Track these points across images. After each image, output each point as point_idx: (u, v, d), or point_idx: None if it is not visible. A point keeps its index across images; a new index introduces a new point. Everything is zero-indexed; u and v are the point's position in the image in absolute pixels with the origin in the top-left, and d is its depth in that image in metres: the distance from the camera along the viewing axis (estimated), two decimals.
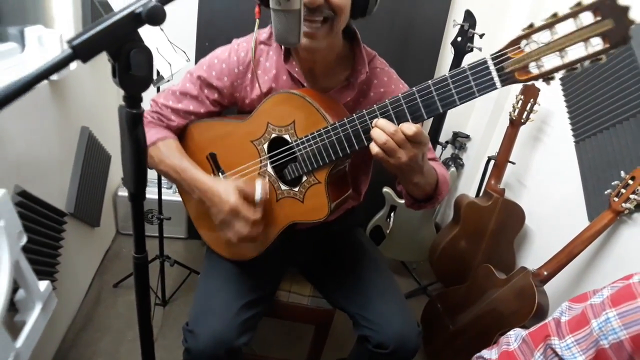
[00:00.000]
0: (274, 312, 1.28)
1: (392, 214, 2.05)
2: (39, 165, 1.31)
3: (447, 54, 2.08)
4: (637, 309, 0.67)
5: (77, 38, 0.47)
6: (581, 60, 0.68)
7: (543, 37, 0.71)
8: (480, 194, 2.00)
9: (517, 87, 1.85)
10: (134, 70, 0.51)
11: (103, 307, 1.81)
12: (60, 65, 0.48)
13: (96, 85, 1.81)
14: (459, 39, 1.76)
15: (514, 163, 1.89)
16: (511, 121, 1.82)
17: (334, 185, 0.93)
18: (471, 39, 1.75)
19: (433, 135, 1.98)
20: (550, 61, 0.69)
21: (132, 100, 0.54)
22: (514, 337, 0.86)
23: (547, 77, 0.69)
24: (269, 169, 0.99)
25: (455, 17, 1.83)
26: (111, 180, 2.03)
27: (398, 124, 0.76)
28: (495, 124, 2.20)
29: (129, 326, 1.73)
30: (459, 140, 2.31)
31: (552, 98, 1.84)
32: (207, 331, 0.99)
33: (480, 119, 2.29)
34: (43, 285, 1.19)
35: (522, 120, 1.79)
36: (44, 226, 1.31)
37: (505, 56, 0.70)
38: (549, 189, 1.83)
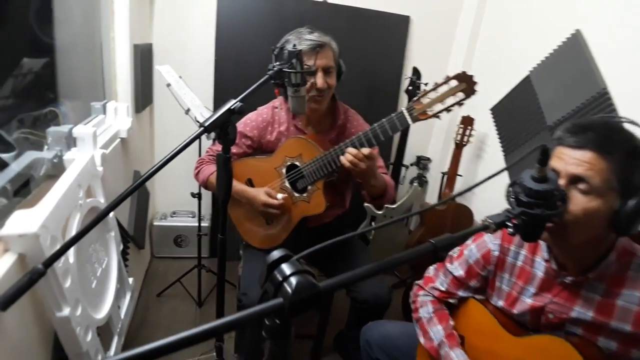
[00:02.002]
0: None
1: (372, 223, 2.61)
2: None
3: (403, 99, 2.76)
4: (483, 240, 1.21)
5: (207, 121, 1.04)
6: (452, 105, 1.28)
7: (432, 94, 1.31)
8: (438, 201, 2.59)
9: (458, 119, 2.46)
10: (230, 135, 1.07)
11: (152, 310, 2.31)
12: (195, 138, 1.03)
13: (141, 143, 2.38)
14: (410, 87, 2.39)
15: (461, 175, 2.49)
16: (456, 144, 2.42)
17: (327, 190, 1.53)
18: (418, 87, 2.38)
19: (397, 159, 2.59)
20: (437, 107, 1.29)
21: (227, 150, 1.10)
22: (432, 268, 1.39)
23: (436, 115, 1.29)
24: (287, 184, 1.58)
25: (407, 73, 2.49)
26: (149, 213, 2.58)
27: (360, 148, 1.36)
28: (448, 147, 2.82)
29: (174, 322, 2.22)
30: (422, 162, 2.91)
31: (487, 125, 2.48)
32: (254, 293, 1.53)
33: (436, 145, 2.92)
34: (131, 279, 1.72)
35: (464, 143, 2.40)
36: (123, 240, 1.85)
37: (412, 107, 1.30)
38: (490, 192, 2.40)
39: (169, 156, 0.96)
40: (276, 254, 0.53)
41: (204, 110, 2.06)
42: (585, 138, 0.88)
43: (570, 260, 1.01)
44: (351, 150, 1.37)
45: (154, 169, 0.96)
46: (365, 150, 1.35)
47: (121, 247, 1.63)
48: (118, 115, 1.90)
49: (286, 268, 0.51)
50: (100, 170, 1.44)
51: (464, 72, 1.25)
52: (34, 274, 0.88)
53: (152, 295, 2.42)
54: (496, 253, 1.16)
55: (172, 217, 2.76)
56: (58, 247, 0.99)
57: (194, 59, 2.54)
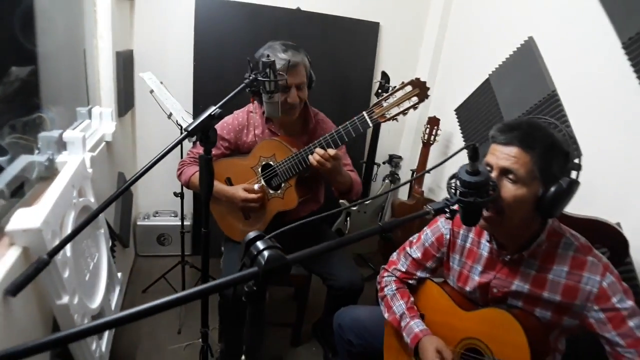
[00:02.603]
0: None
1: (348, 219, 2.76)
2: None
3: (374, 102, 2.89)
4: (437, 226, 1.38)
5: (190, 126, 1.16)
6: (408, 109, 1.44)
7: (391, 99, 1.46)
8: (409, 197, 2.76)
9: (424, 119, 2.63)
10: (211, 139, 1.20)
11: (138, 305, 2.40)
12: (180, 141, 1.16)
13: (124, 146, 2.48)
14: (379, 91, 2.55)
15: (429, 172, 2.66)
16: (423, 143, 2.60)
17: (299, 186, 1.67)
18: (387, 90, 2.54)
19: (370, 158, 2.75)
20: (394, 111, 1.45)
21: (208, 152, 1.22)
22: (395, 252, 1.55)
23: (393, 118, 1.45)
24: (262, 182, 1.72)
25: (377, 76, 2.65)
26: (132, 213, 2.68)
27: (327, 149, 1.51)
28: (417, 146, 2.99)
29: (159, 317, 2.31)
30: (394, 160, 3.07)
31: (452, 125, 2.66)
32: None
33: (406, 144, 3.10)
34: (119, 274, 1.83)
35: (431, 142, 2.58)
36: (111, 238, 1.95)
37: (372, 111, 1.45)
38: None
39: (157, 157, 1.09)
40: (252, 234, 0.66)
41: (185, 115, 2.18)
42: (511, 136, 1.05)
43: (508, 241, 1.18)
44: (319, 150, 1.52)
45: (143, 169, 1.09)
46: (332, 152, 1.50)
47: (110, 243, 1.74)
48: (103, 120, 2.00)
49: (260, 244, 0.64)
50: (90, 172, 1.54)
51: (417, 79, 1.41)
52: (40, 263, 1.00)
53: (137, 292, 2.52)
54: (448, 236, 1.33)
55: (154, 216, 2.86)
56: (57, 241, 1.11)
57: (173, 65, 2.65)
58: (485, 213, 1.08)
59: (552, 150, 1.05)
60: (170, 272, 2.53)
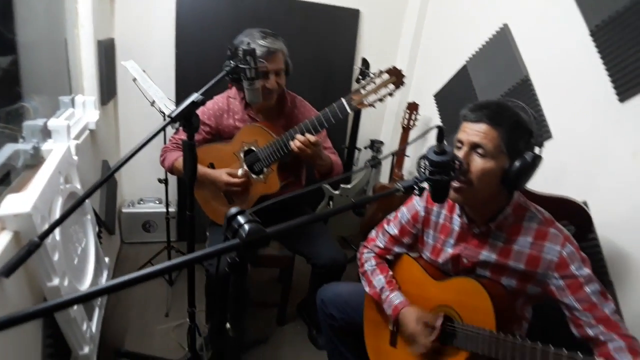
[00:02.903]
0: (256, 262, 2.01)
1: (330, 202, 2.83)
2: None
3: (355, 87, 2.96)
4: (412, 204, 1.46)
5: (173, 113, 1.21)
6: (385, 96, 1.50)
7: (369, 87, 1.52)
8: (390, 180, 2.84)
9: (404, 104, 2.70)
10: (194, 124, 1.24)
11: (125, 291, 2.45)
12: (163, 127, 1.21)
13: (107, 133, 2.50)
14: (360, 77, 2.61)
15: (408, 156, 2.74)
16: (403, 128, 2.67)
17: (281, 171, 1.73)
18: (368, 76, 2.60)
19: (351, 143, 2.81)
20: (371, 97, 1.51)
21: (191, 137, 1.27)
22: (374, 230, 1.63)
23: (371, 105, 1.51)
24: (245, 167, 1.77)
25: (358, 63, 2.70)
26: (117, 201, 2.71)
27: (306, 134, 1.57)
28: (397, 131, 3.06)
29: (147, 301, 2.38)
30: (376, 145, 3.14)
31: (431, 110, 2.73)
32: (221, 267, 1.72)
33: (387, 129, 3.17)
34: (107, 259, 1.87)
35: (410, 127, 2.65)
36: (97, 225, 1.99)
37: (351, 98, 1.51)
38: None
39: (141, 144, 1.13)
40: (233, 209, 0.72)
41: (167, 102, 2.21)
42: (481, 114, 1.14)
43: (476, 214, 1.27)
44: (299, 137, 1.57)
45: (128, 155, 1.12)
46: (311, 138, 1.56)
47: (97, 229, 1.78)
48: (86, 108, 2.02)
49: (241, 218, 0.70)
50: (76, 159, 1.58)
51: (394, 67, 1.47)
52: (32, 246, 1.04)
53: None
54: (422, 213, 1.42)
55: (139, 204, 2.89)
56: (47, 225, 1.15)
57: (155, 53, 2.66)
58: (455, 184, 1.17)
59: (517, 127, 1.14)
60: (157, 257, 2.58)
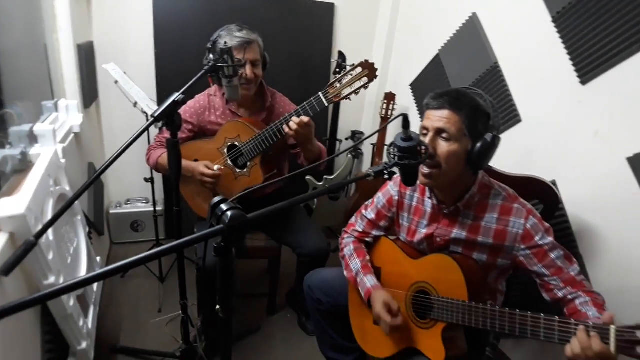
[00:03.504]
0: (243, 254, 2.08)
1: None
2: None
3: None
4: (387, 189, 1.55)
5: (155, 112, 1.27)
6: (359, 88, 1.57)
7: (344, 80, 1.59)
8: None
9: (382, 95, 2.79)
10: (176, 123, 1.30)
11: (118, 290, 2.50)
12: (147, 127, 1.26)
13: (91, 136, 2.54)
14: (337, 70, 2.68)
15: (388, 145, 2.82)
16: (382, 118, 2.75)
17: (264, 165, 1.81)
18: (344, 69, 2.67)
19: (332, 135, 2.89)
20: (346, 91, 1.58)
21: (174, 135, 1.33)
22: (354, 216, 1.72)
23: (347, 97, 1.58)
24: (229, 162, 1.84)
25: (335, 56, 2.77)
26: (105, 203, 2.75)
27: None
28: (377, 121, 3.15)
29: (139, 298, 2.44)
30: (357, 136, 3.23)
31: (408, 99, 2.82)
32: (209, 257, 1.79)
33: (367, 120, 3.26)
34: (98, 258, 1.92)
35: (388, 116, 2.73)
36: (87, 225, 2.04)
37: (327, 91, 1.58)
38: None
39: (126, 144, 1.18)
40: (216, 198, 0.79)
41: (149, 102, 2.25)
42: (442, 101, 1.23)
43: (445, 196, 1.36)
44: (295, 119, 1.63)
45: (114, 156, 1.17)
46: (305, 119, 1.62)
47: (87, 229, 1.83)
48: (69, 112, 2.06)
49: (224, 206, 0.77)
50: (64, 162, 1.63)
51: (366, 60, 1.55)
52: (28, 245, 1.10)
53: (116, 278, 2.60)
54: (396, 198, 1.51)
55: (126, 204, 2.94)
56: (40, 226, 1.20)
57: (135, 54, 2.69)
58: (425, 170, 1.25)
59: (477, 111, 1.23)
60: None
